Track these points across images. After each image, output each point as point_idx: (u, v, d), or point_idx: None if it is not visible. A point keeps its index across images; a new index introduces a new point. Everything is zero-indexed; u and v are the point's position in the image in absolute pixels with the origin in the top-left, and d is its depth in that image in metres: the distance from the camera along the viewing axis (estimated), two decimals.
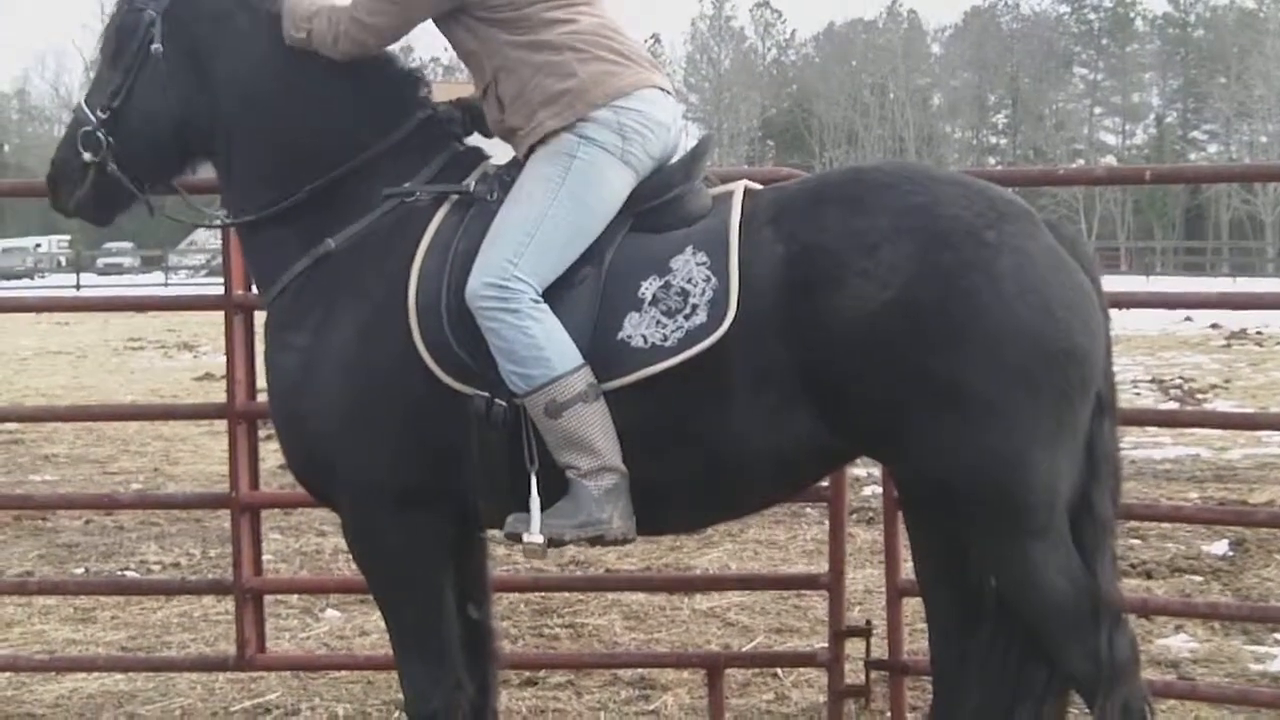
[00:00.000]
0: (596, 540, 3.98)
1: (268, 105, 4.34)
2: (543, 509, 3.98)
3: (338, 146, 4.32)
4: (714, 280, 3.95)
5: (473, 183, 4.26)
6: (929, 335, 3.78)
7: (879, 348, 3.81)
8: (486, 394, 4.01)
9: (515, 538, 4.00)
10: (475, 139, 4.51)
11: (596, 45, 4.21)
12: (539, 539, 3.96)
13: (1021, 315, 3.77)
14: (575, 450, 3.94)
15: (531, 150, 4.20)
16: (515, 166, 4.26)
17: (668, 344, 3.94)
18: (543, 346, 3.93)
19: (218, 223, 4.79)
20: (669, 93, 4.34)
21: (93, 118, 4.36)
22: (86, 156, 4.37)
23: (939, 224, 3.85)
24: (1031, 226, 3.91)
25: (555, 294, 4.04)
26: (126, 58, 4.39)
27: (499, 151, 4.39)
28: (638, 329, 3.98)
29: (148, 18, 4.37)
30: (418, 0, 4.22)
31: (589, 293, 4.05)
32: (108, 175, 4.39)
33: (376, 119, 4.36)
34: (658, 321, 3.97)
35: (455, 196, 4.25)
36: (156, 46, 4.36)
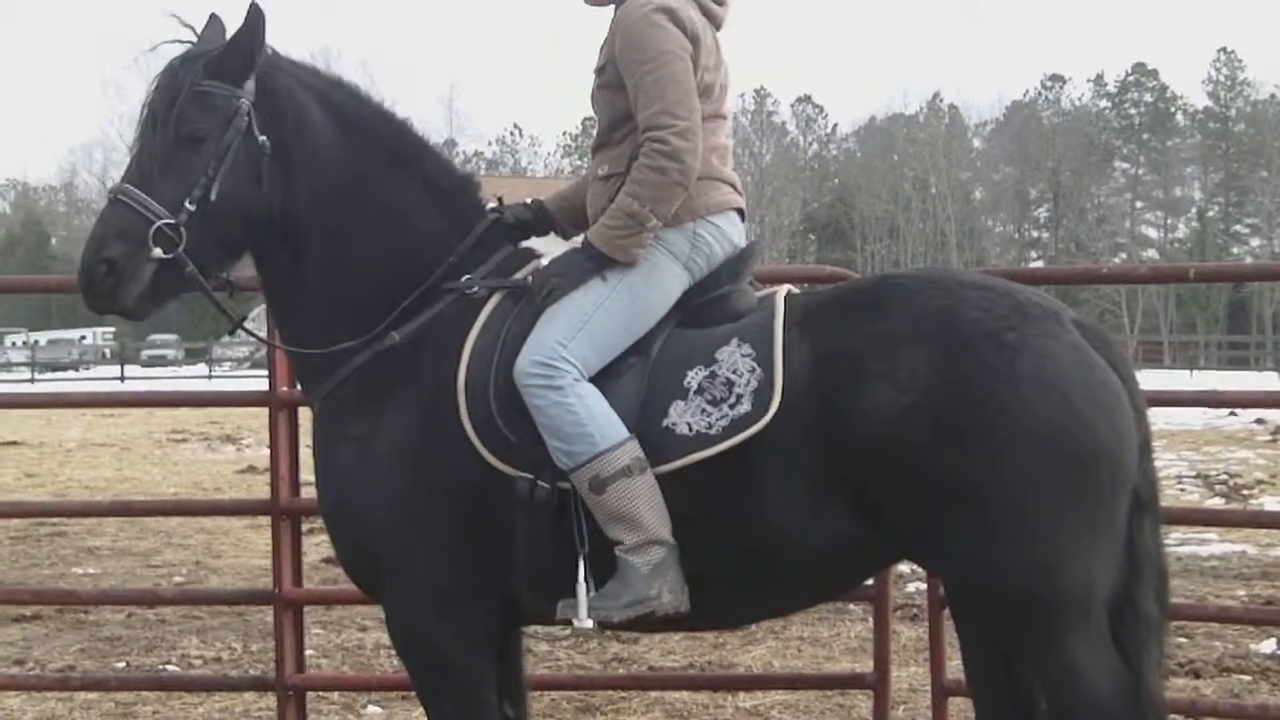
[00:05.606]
0: (648, 616, 3.98)
1: (350, 213, 4.31)
2: (594, 591, 3.99)
3: (424, 256, 4.33)
4: (759, 370, 3.99)
5: (528, 278, 4.30)
6: (949, 439, 3.78)
7: (901, 451, 3.81)
8: (530, 475, 4.03)
9: (566, 623, 4.03)
10: (532, 241, 4.56)
11: (717, 167, 4.30)
12: (588, 623, 3.98)
13: (1042, 416, 3.75)
14: (621, 525, 3.96)
15: None
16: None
17: (713, 432, 3.97)
18: (585, 423, 3.96)
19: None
20: (743, 213, 4.42)
21: (164, 211, 4.04)
22: (157, 253, 4.04)
23: (959, 328, 3.85)
24: (1055, 326, 3.88)
25: (601, 382, 4.08)
26: (212, 145, 4.12)
27: (551, 251, 4.44)
28: (683, 417, 4.02)
29: (244, 106, 4.16)
30: (694, 100, 4.16)
31: (634, 381, 4.10)
32: (172, 271, 4.11)
33: (456, 225, 4.40)
34: (703, 410, 4.00)
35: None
36: (264, 139, 4.18)
